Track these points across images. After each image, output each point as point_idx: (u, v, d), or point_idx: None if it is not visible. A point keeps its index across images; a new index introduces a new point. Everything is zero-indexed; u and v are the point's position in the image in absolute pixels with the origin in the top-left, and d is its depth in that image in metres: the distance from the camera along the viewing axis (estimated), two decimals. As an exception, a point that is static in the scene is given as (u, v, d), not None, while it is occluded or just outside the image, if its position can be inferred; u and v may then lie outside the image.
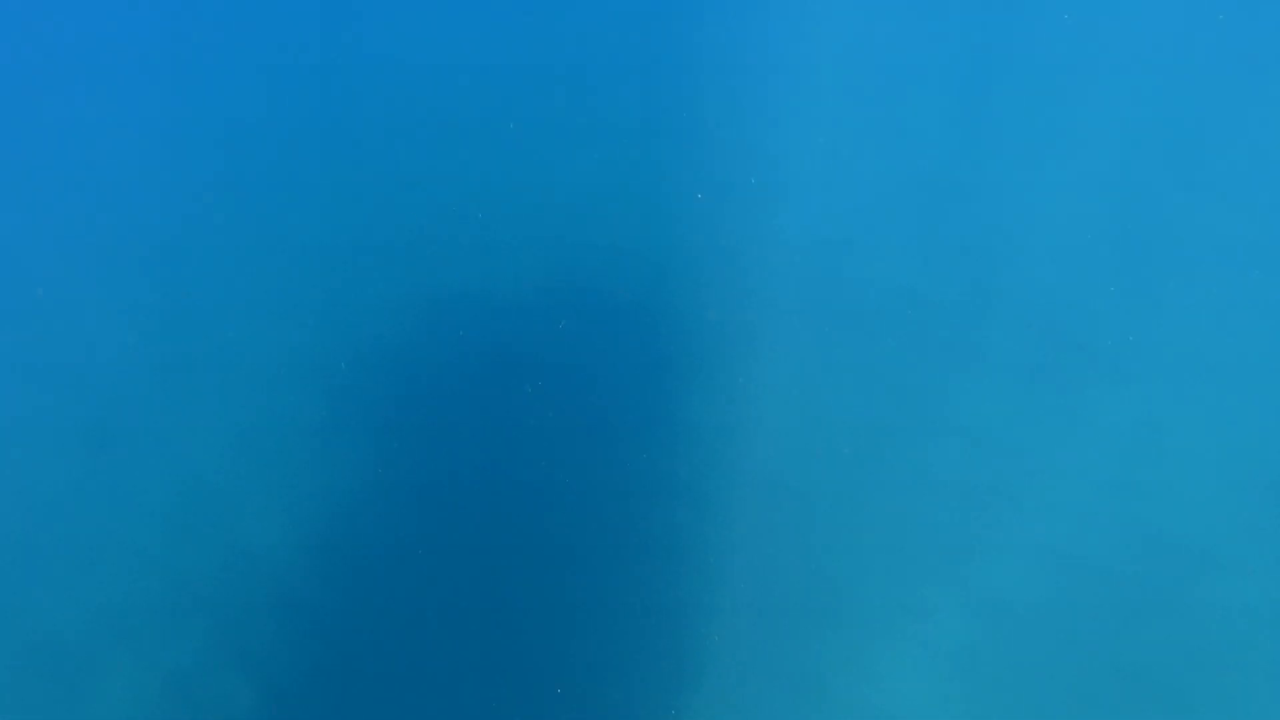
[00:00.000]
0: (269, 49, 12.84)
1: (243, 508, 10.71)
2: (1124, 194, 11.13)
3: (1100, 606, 9.67)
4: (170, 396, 11.23)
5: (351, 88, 12.70)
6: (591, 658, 9.99)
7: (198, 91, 12.73)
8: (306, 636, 10.26)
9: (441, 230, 11.87)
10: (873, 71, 12.13)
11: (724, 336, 11.15)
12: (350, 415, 11.04)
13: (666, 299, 11.38)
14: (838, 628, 9.82)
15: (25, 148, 12.59)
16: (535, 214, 11.87)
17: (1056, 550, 9.89)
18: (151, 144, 12.49)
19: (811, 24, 12.37)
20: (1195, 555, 9.70)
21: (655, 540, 10.42)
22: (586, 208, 11.85)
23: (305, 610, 10.38)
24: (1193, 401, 10.22)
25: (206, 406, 11.14)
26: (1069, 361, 10.54)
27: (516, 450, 10.79)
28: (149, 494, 10.84)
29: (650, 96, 12.27)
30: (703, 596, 10.10)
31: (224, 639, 10.24)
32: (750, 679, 9.76)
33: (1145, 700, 9.39)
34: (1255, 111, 11.34)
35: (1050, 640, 9.57)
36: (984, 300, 10.95)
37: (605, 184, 11.94)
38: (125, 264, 11.93)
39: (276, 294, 11.56)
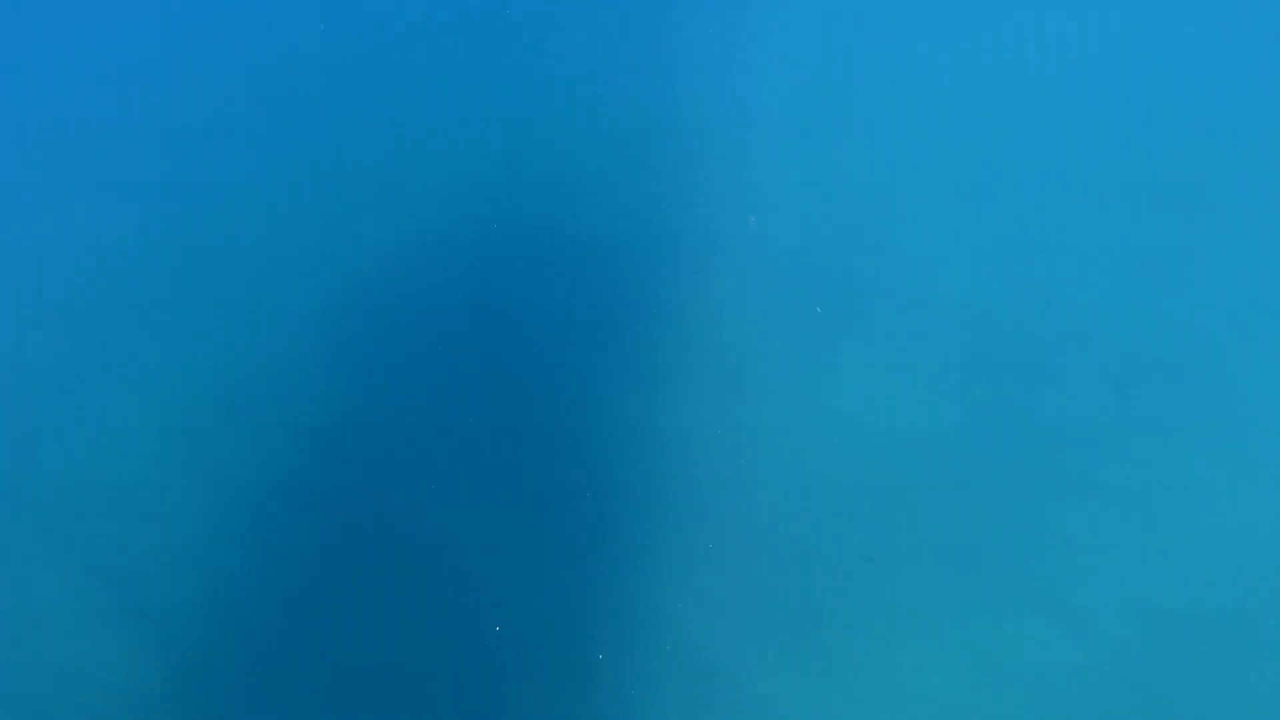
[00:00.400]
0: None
1: (210, 426, 10.97)
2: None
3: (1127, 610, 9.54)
4: (145, 332, 11.47)
5: (317, 52, 12.68)
6: (551, 584, 9.99)
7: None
8: (264, 548, 10.30)
9: (421, 176, 11.91)
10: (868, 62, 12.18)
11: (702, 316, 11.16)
12: (320, 351, 11.12)
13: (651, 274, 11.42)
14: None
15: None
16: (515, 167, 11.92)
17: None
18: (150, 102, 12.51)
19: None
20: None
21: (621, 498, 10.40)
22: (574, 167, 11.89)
23: (264, 521, 10.39)
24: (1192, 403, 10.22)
25: (184, 334, 11.38)
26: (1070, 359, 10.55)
27: (486, 388, 10.86)
28: (126, 415, 11.09)
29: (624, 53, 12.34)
30: (661, 558, 10.08)
31: (175, 546, 10.28)
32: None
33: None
34: (1261, 112, 11.44)
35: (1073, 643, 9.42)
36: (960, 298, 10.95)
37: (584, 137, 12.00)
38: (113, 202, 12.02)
39: (244, 238, 11.71)
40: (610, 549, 10.19)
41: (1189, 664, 9.13)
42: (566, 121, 12.27)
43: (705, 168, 11.94)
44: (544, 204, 11.90)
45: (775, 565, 9.91)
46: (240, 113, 12.43)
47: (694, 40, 12.40)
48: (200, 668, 10.00)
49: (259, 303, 11.56)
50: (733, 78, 12.27)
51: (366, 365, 11.32)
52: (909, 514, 10.07)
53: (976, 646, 9.39)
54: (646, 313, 11.24)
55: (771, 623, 9.72)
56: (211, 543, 10.67)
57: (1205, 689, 9.08)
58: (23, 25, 12.70)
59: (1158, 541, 9.62)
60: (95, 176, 12.22)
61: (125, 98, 12.52)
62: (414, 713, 9.74)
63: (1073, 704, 9.15)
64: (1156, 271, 10.86)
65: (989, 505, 10.09)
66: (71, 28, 12.84)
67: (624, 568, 10.21)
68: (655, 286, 11.40)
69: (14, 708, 9.94)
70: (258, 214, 12.05)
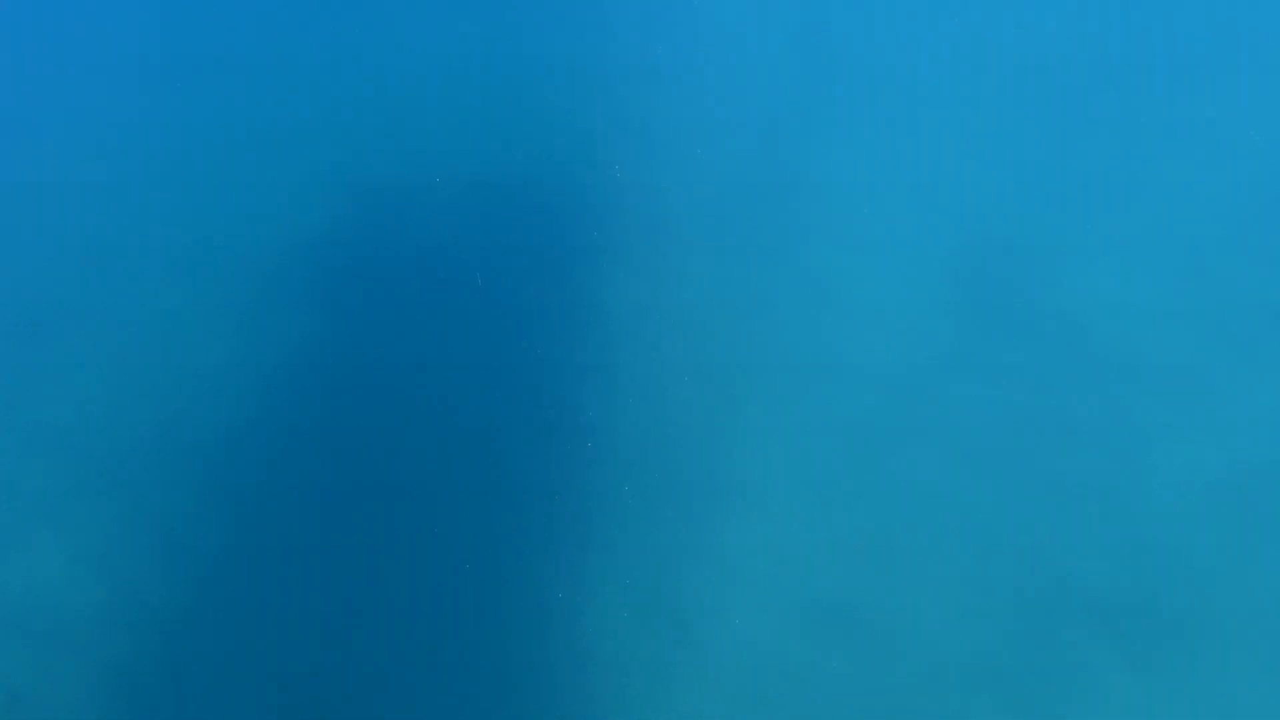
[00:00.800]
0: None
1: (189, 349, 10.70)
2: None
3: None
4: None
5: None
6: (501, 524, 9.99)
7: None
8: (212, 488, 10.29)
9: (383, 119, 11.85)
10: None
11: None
12: (284, 290, 11.19)
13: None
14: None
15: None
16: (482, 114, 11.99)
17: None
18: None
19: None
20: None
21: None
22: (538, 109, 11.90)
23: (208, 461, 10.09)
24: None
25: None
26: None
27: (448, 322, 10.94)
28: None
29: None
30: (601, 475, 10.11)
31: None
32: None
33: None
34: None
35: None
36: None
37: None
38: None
39: (205, 187, 11.74)
40: (578, 520, 10.16)
41: (1180, 625, 9.24)
42: (517, 79, 12.34)
43: (660, 115, 12.00)
44: (494, 160, 11.94)
45: (763, 545, 9.93)
46: (175, 85, 12.39)
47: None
48: (167, 644, 9.82)
49: (208, 282, 11.44)
50: (686, 28, 12.34)
51: (322, 334, 11.21)
52: (894, 476, 10.15)
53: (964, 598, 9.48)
54: (616, 280, 11.24)
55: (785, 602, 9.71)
56: (172, 524, 10.51)
57: (1205, 642, 9.19)
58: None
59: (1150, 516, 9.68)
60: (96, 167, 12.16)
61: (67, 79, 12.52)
62: (380, 698, 9.65)
63: (1064, 647, 9.22)
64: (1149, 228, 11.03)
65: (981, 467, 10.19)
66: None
67: (585, 530, 10.19)
68: (635, 263, 11.41)
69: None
70: (191, 190, 11.99)
